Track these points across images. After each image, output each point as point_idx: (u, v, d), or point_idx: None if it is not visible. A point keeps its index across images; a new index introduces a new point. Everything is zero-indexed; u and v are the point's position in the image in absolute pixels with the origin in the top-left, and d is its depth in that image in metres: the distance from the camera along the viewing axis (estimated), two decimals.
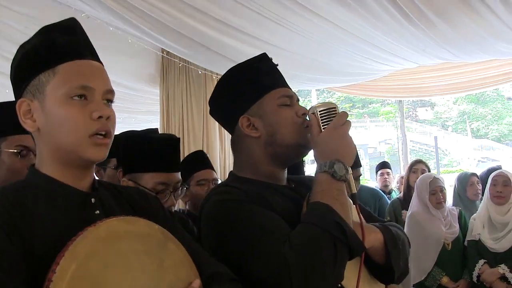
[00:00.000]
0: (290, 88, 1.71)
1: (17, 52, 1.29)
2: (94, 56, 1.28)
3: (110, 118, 1.23)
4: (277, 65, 1.74)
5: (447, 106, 32.83)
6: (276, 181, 1.66)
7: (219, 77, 5.57)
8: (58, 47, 1.23)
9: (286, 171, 1.72)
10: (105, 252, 1.13)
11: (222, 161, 5.83)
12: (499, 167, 4.66)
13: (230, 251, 1.47)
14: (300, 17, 4.36)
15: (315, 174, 1.54)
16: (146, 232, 1.23)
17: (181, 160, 2.29)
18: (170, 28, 4.50)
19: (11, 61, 1.30)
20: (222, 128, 1.75)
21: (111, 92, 1.27)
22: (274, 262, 1.37)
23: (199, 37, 4.72)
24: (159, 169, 2.02)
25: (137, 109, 7.08)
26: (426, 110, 35.52)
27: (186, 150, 5.79)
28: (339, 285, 1.48)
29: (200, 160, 3.26)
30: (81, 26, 1.31)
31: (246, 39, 4.75)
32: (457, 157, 33.96)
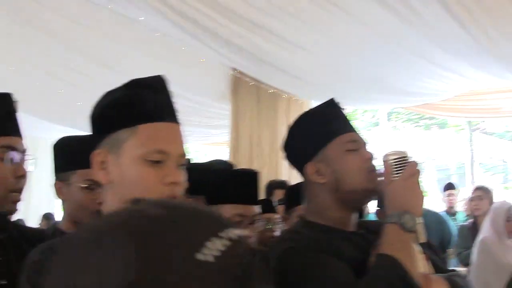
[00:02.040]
0: (357, 132, 1.71)
1: (103, 97, 1.31)
2: (174, 118, 1.30)
3: (180, 184, 1.26)
4: (344, 109, 1.75)
5: None
6: (345, 226, 1.66)
7: (289, 96, 5.66)
8: (142, 106, 1.25)
9: (356, 215, 1.71)
10: None
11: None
12: None
13: None
14: (368, 40, 4.32)
15: (384, 225, 1.54)
16: None
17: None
18: (240, 48, 4.57)
19: (96, 102, 1.32)
20: None
21: (183, 156, 1.30)
22: None
23: (268, 57, 4.76)
24: (238, 201, 2.07)
25: (206, 124, 7.22)
26: (496, 123, 34.13)
27: (253, 167, 5.85)
28: None
29: (300, 194, 3.21)
30: (167, 85, 1.32)
31: (313, 59, 4.76)
32: None
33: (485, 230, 4.05)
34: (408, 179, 1.54)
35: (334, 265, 1.49)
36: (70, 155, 1.94)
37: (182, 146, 1.30)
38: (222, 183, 2.11)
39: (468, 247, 4.53)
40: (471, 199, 4.91)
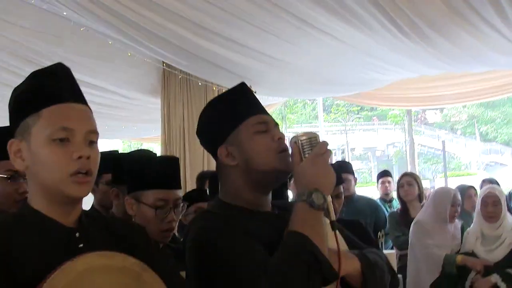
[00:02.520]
0: (268, 115, 1.74)
1: (11, 95, 1.38)
2: (78, 99, 1.35)
3: (90, 158, 1.29)
4: (255, 92, 1.79)
5: (456, 110, 32.67)
6: (259, 207, 1.69)
7: (220, 88, 5.69)
8: (43, 92, 1.31)
9: (269, 197, 1.75)
10: (81, 285, 1.18)
11: None
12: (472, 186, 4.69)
13: (209, 279, 1.53)
14: (301, 31, 4.42)
15: (294, 204, 1.58)
16: (122, 266, 1.27)
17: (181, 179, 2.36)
18: (168, 42, 4.57)
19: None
20: None
21: (93, 132, 1.33)
22: None
23: (197, 50, 4.79)
24: (159, 186, 2.12)
25: (139, 118, 7.17)
26: (435, 113, 35.36)
27: (187, 159, 5.88)
28: None
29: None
30: (67, 71, 1.38)
31: (248, 52, 4.82)
32: (465, 161, 33.77)
33: (423, 213, 4.21)
34: (317, 158, 1.57)
35: (246, 244, 1.53)
36: None
37: (88, 123, 1.33)
38: (143, 170, 2.16)
39: (401, 232, 4.69)
40: (401, 185, 5.02)
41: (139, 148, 3.74)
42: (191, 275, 1.61)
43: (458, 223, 4.22)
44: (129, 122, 7.28)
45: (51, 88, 1.32)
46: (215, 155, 1.74)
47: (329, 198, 1.57)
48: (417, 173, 5.39)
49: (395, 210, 5.15)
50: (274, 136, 1.66)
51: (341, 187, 3.34)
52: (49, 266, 1.18)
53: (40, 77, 1.34)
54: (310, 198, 1.52)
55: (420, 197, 4.97)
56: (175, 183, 2.21)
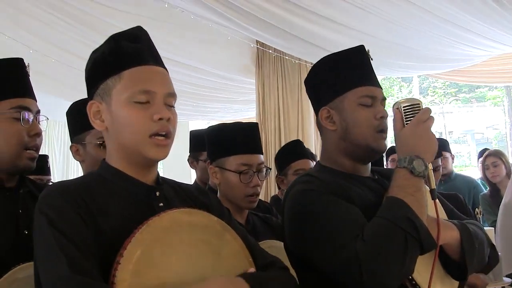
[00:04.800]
0: (379, 87, 1.71)
1: (89, 58, 1.42)
2: (157, 62, 1.37)
3: (170, 120, 1.31)
4: (371, 59, 1.75)
5: None
6: (358, 172, 1.69)
7: None
8: (124, 54, 1.34)
9: (368, 164, 1.74)
10: (167, 240, 1.23)
11: (318, 150, 5.86)
12: None
13: (304, 240, 1.54)
14: (392, 4, 4.27)
15: (395, 168, 1.55)
16: (205, 224, 1.31)
17: (262, 144, 2.39)
18: (263, 21, 4.58)
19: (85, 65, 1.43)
20: None
21: (172, 95, 1.35)
22: (345, 255, 1.41)
23: (292, 28, 4.76)
24: (241, 151, 2.15)
25: (234, 99, 7.27)
26: None
27: (282, 138, 5.89)
28: (412, 279, 1.50)
29: (297, 150, 3.31)
30: (146, 34, 1.41)
31: (339, 28, 4.74)
32: None
33: (510, 193, 3.98)
34: (419, 125, 1.55)
35: (344, 205, 1.52)
36: (81, 118, 2.03)
37: (168, 86, 1.35)
38: (224, 137, 2.20)
39: (496, 215, 4.45)
40: (486, 167, 4.73)
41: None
42: (287, 233, 1.64)
43: None
44: (226, 103, 7.39)
45: (132, 50, 1.34)
46: (316, 112, 1.75)
47: (430, 166, 1.54)
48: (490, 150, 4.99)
49: (486, 192, 4.85)
50: (377, 114, 1.65)
51: (439, 160, 3.22)
52: (133, 221, 1.23)
53: (121, 39, 1.36)
54: (411, 164, 1.50)
55: (509, 175, 4.64)
56: (257, 148, 2.23)
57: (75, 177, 1.49)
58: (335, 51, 1.75)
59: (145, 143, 1.29)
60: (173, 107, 1.36)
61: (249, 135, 2.21)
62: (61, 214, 1.19)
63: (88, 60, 1.41)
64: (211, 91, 6.63)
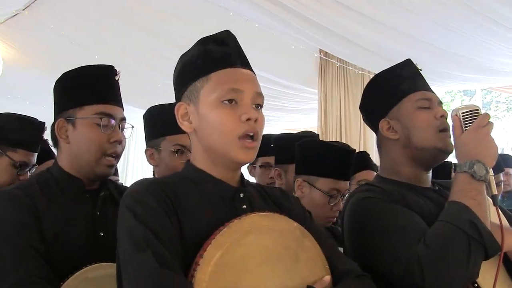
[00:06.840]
0: (432, 92, 1.72)
1: (178, 61, 1.45)
2: (245, 65, 1.39)
3: (258, 121, 1.31)
4: (420, 70, 1.77)
5: None
6: (419, 182, 1.68)
7: None
8: (212, 57, 1.36)
9: (429, 174, 1.73)
10: (247, 243, 1.23)
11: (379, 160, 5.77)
12: None
13: (367, 245, 1.54)
14: (459, 14, 4.18)
15: (455, 174, 1.54)
16: (286, 229, 1.31)
17: None
18: (327, 29, 4.58)
19: (174, 69, 1.46)
20: None
21: (260, 95, 1.35)
22: (407, 259, 1.40)
23: (356, 37, 4.74)
24: (336, 176, 2.16)
25: (294, 108, 7.27)
26: None
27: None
28: (476, 284, 1.48)
29: (362, 161, 3.28)
30: (234, 38, 1.43)
31: (406, 40, 4.68)
32: None
33: None
34: (478, 129, 1.54)
35: (406, 212, 1.52)
36: (158, 123, 2.08)
37: (256, 86, 1.36)
38: (321, 156, 2.18)
39: None
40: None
41: (303, 130, 3.74)
42: (348, 241, 1.64)
43: None
44: (286, 112, 7.40)
45: (220, 53, 1.36)
46: (376, 129, 1.76)
47: (491, 171, 1.52)
48: None
49: None
50: (437, 114, 1.65)
51: (501, 175, 3.13)
52: (215, 222, 1.23)
53: (209, 43, 1.39)
54: (472, 169, 1.49)
55: None
56: (349, 175, 2.25)
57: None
58: (398, 62, 1.78)
59: (233, 144, 1.29)
60: (261, 107, 1.36)
61: (347, 161, 2.21)
62: (148, 209, 1.21)
63: (177, 64, 1.44)
64: (273, 100, 6.66)
